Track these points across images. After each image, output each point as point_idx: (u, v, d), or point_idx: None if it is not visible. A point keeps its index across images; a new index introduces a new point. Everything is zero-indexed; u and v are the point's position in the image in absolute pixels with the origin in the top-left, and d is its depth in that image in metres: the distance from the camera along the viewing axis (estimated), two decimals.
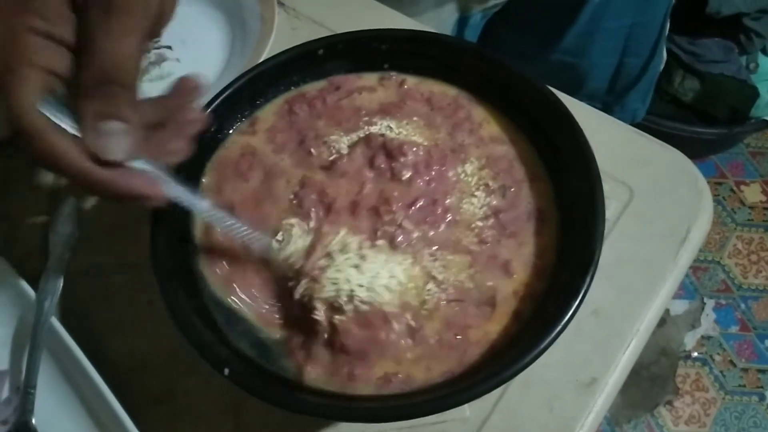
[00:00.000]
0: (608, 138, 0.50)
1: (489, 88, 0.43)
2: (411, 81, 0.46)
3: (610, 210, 0.47)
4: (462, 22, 0.73)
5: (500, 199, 0.40)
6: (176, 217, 0.38)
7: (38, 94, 0.28)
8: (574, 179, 0.37)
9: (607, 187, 0.36)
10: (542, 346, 0.31)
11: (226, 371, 0.32)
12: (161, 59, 0.58)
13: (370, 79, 0.46)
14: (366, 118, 0.44)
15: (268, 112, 0.45)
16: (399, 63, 0.46)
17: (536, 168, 0.41)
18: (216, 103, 0.42)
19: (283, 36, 0.56)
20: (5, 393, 0.44)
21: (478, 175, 0.41)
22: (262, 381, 0.33)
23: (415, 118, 0.44)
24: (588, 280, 0.33)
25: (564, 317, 0.32)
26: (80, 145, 0.29)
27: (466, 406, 0.42)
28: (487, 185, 0.41)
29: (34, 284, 0.46)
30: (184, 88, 0.34)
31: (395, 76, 0.46)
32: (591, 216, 0.35)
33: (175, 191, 0.33)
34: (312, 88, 0.46)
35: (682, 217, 0.47)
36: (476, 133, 0.43)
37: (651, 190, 0.48)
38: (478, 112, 0.44)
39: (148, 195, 0.31)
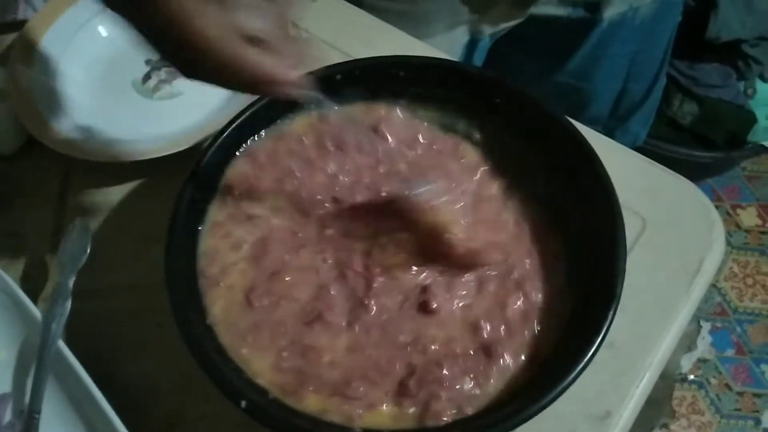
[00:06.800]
0: (619, 166, 0.49)
1: (511, 122, 0.43)
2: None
3: None
4: (471, 44, 0.73)
5: None
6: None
7: None
8: (593, 214, 0.37)
9: None
10: (563, 385, 0.31)
11: (243, 404, 0.32)
12: (172, 77, 0.58)
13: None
14: None
15: None
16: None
17: None
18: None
19: None
20: (8, 416, 0.43)
21: None
22: (280, 415, 0.32)
23: None
24: (610, 317, 0.33)
25: (586, 356, 0.32)
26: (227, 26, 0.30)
27: None
28: None
29: (40, 304, 0.45)
30: None
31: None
32: (612, 253, 0.34)
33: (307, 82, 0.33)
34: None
35: (695, 249, 0.47)
36: None
37: (663, 221, 0.48)
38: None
39: (285, 80, 0.31)
